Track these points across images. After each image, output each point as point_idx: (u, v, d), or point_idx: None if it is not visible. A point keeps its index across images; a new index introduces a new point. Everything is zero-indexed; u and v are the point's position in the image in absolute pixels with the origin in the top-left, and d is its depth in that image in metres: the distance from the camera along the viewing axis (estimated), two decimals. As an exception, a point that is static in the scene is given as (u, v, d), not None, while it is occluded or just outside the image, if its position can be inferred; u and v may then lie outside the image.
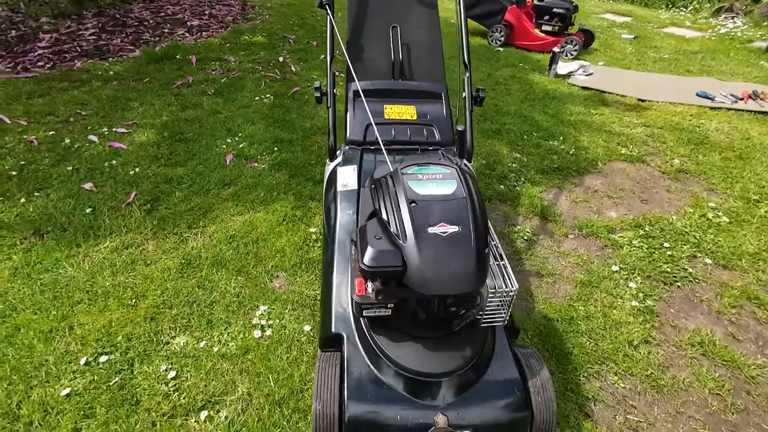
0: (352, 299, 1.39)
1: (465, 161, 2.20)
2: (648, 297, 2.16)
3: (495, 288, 1.31)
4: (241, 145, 3.31)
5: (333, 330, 1.51)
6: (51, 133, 3.32)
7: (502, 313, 1.40)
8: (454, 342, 1.43)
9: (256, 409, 1.58)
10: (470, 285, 1.21)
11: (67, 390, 1.60)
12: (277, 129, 3.58)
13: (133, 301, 1.98)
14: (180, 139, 3.35)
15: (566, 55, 5.86)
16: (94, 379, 1.64)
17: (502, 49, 6.22)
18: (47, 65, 4.73)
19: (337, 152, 2.13)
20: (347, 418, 1.28)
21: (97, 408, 1.55)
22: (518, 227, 2.62)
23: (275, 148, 3.28)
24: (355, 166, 1.96)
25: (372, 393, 1.32)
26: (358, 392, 1.32)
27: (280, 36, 6.08)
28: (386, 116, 2.16)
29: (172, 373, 1.68)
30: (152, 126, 3.52)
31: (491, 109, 4.21)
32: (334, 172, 2.00)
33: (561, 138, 3.68)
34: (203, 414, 1.55)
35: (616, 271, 2.30)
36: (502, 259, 1.43)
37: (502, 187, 2.98)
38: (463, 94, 2.22)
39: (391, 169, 1.46)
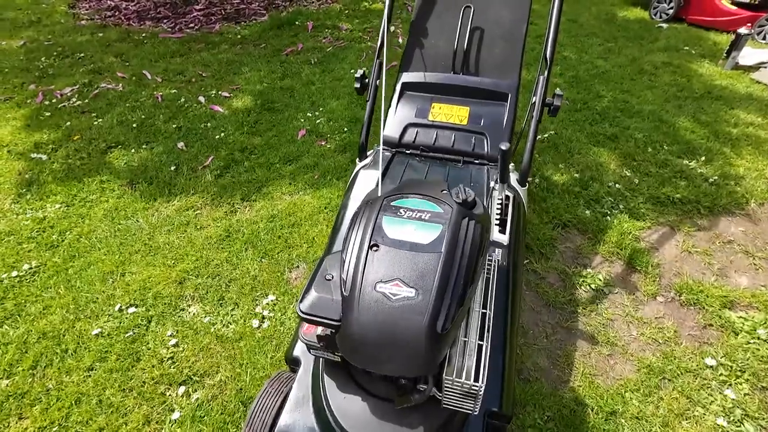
0: None
1: (516, 185, 1.78)
2: (749, 419, 1.52)
3: (453, 376, 1.03)
4: (318, 121, 3.32)
5: (294, 352, 1.41)
6: (174, 91, 3.82)
7: (471, 402, 1.11)
8: (411, 412, 1.20)
9: (224, 401, 1.62)
10: (408, 370, 0.97)
11: (98, 330, 1.88)
12: (358, 107, 3.48)
13: (173, 262, 2.20)
14: (269, 108, 3.52)
15: (761, 39, 4.31)
16: (118, 326, 1.89)
17: (665, 26, 4.89)
18: (196, 27, 5.42)
19: (369, 152, 1.93)
20: None
21: (110, 354, 1.78)
22: (589, 270, 2.09)
23: (347, 129, 3.21)
24: (379, 172, 1.74)
25: None
26: None
27: (401, 2, 5.82)
28: (431, 117, 1.85)
29: (174, 341, 1.82)
30: (251, 92, 3.77)
31: (617, 105, 3.38)
32: (356, 176, 1.82)
33: (704, 157, 2.76)
34: (182, 389, 1.66)
35: (711, 367, 1.67)
36: (484, 339, 1.11)
37: (587, 212, 2.40)
38: (534, 99, 1.76)
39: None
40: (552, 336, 1.83)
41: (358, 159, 1.93)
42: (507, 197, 1.66)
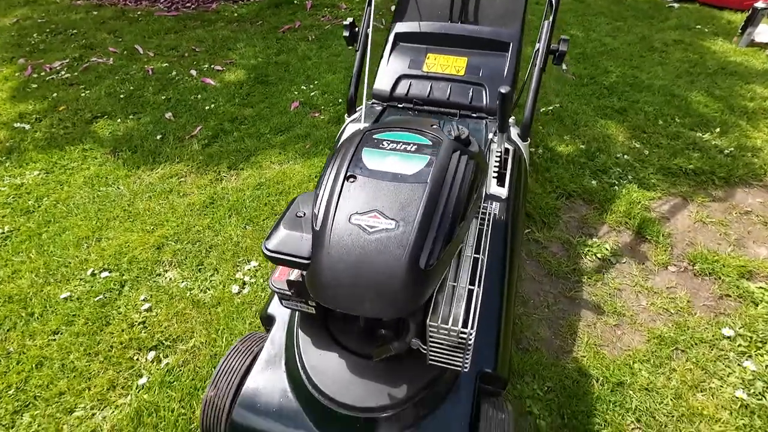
0: None
1: (517, 139, 1.65)
2: (771, 392, 1.37)
3: (438, 322, 0.89)
4: (312, 94, 3.19)
5: (268, 309, 1.28)
6: (165, 65, 3.70)
7: (460, 357, 0.98)
8: (392, 370, 1.07)
9: (196, 367, 1.50)
10: (385, 310, 0.83)
11: (67, 294, 1.76)
12: (354, 80, 3.34)
13: (152, 227, 2.08)
14: (262, 82, 3.39)
15: (779, 16, 4.12)
16: (89, 290, 1.77)
17: (676, 5, 4.71)
18: (192, 6, 5.30)
19: (358, 107, 1.79)
20: (231, 422, 1.07)
21: (78, 318, 1.66)
22: (595, 239, 1.95)
23: (341, 100, 3.07)
24: (368, 126, 1.61)
25: (269, 403, 1.07)
26: (254, 399, 1.09)
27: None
28: (426, 68, 1.72)
29: (147, 306, 1.70)
30: (245, 66, 3.64)
31: (625, 80, 3.22)
32: (344, 129, 1.69)
33: (718, 130, 2.60)
34: (151, 354, 1.54)
35: (729, 338, 1.52)
36: (475, 284, 0.97)
37: (594, 183, 2.25)
38: (538, 45, 1.62)
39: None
40: (554, 306, 1.69)
41: (346, 114, 1.79)
42: (506, 150, 1.52)
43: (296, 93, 3.21)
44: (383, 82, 1.73)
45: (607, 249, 1.89)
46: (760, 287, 1.69)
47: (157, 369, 1.49)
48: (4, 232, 2.07)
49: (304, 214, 0.98)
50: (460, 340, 0.93)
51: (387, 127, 1.09)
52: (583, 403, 1.36)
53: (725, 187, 2.22)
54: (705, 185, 2.23)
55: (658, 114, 2.80)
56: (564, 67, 3.53)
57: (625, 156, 2.44)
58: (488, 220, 1.13)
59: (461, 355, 0.97)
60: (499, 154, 1.45)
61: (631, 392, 1.39)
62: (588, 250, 1.90)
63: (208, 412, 1.11)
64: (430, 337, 0.94)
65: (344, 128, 1.69)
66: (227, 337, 1.58)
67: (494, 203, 1.39)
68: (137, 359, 1.53)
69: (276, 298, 1.30)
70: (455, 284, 0.96)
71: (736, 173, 2.26)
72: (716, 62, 3.49)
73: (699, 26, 4.20)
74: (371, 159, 0.98)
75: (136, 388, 1.44)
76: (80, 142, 2.71)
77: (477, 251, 1.05)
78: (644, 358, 1.49)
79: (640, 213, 2.02)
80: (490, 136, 1.51)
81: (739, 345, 1.50)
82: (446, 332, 0.90)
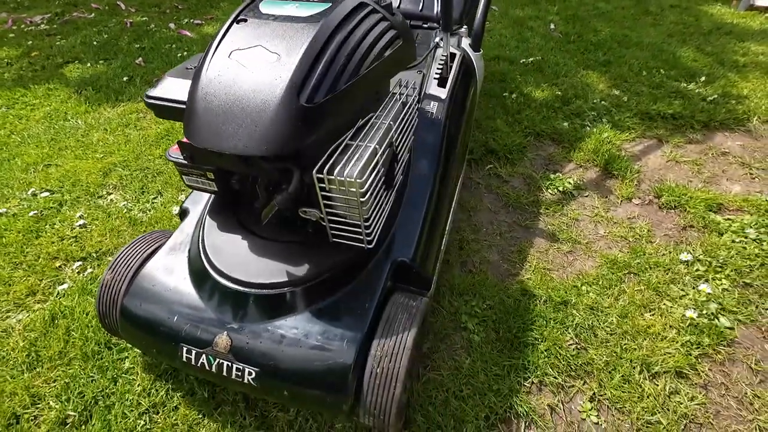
0: None
1: (468, 49, 1.55)
2: (725, 313, 1.27)
3: (326, 173, 0.81)
4: (288, 45, 3.11)
5: (185, 203, 1.21)
6: (145, 19, 3.65)
7: (360, 233, 0.90)
8: (295, 252, 0.99)
9: (121, 276, 1.43)
10: (258, 144, 0.75)
11: (3, 210, 1.70)
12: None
13: (102, 155, 2.02)
14: (240, 35, 3.31)
15: (782, -18, 3.94)
16: (25, 207, 1.72)
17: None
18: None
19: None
20: (122, 306, 1.00)
21: (9, 231, 1.61)
22: (558, 174, 1.85)
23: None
24: None
25: (165, 287, 1.00)
26: (150, 280, 1.02)
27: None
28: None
29: (82, 222, 1.64)
30: (225, 21, 3.57)
31: (614, 38, 3.09)
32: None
33: (704, 79, 2.48)
34: (77, 264, 1.48)
35: (686, 262, 1.42)
36: (376, 143, 0.89)
37: (565, 124, 2.14)
38: None
39: None
40: (507, 234, 1.60)
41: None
42: (452, 55, 1.43)
43: (272, 44, 3.13)
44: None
45: (570, 183, 1.79)
46: (727, 219, 1.58)
47: (81, 277, 1.43)
48: (-48, 157, 2.03)
49: (194, 67, 0.91)
50: (350, 193, 0.84)
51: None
52: (521, 319, 1.27)
53: (704, 130, 2.10)
54: (683, 129, 2.12)
55: (642, 66, 2.67)
56: (552, 26, 3.41)
57: (603, 102, 2.32)
58: (411, 102, 1.05)
59: (364, 225, 0.89)
60: (444, 57, 1.36)
61: (574, 311, 1.30)
62: (550, 184, 1.80)
63: (104, 297, 1.04)
64: (325, 201, 0.86)
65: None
66: (158, 251, 1.51)
67: (433, 103, 1.30)
68: (62, 269, 1.47)
69: (194, 193, 1.23)
70: (354, 143, 0.87)
71: (716, 118, 2.13)
72: (712, 23, 3.35)
73: (698, -8, 4.04)
74: (268, 7, 0.91)
75: (57, 295, 1.38)
76: (46, 83, 2.66)
77: (393, 120, 0.97)
78: (594, 281, 1.39)
79: (608, 150, 1.91)
80: (437, 39, 1.42)
81: (697, 270, 1.39)
82: (336, 188, 0.82)
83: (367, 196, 0.83)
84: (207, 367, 0.92)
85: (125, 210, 1.70)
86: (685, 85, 2.46)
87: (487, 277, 1.42)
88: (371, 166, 0.85)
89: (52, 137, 2.16)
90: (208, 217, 1.08)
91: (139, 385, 1.13)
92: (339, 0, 0.91)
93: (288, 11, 0.88)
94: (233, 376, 0.90)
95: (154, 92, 0.87)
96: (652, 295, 1.33)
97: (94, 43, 3.18)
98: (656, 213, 1.66)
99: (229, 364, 0.90)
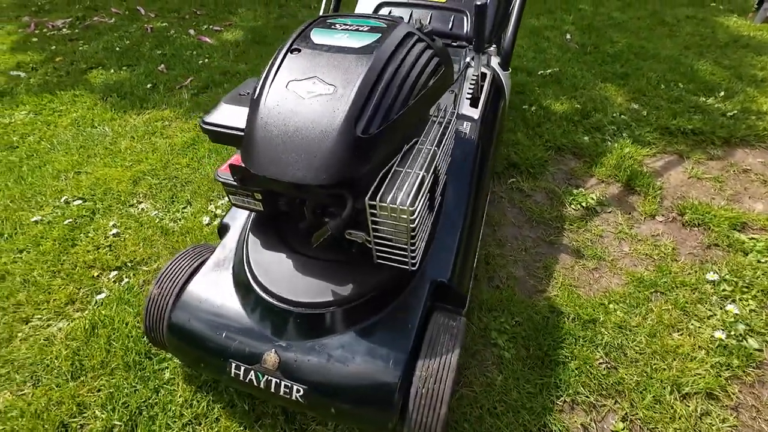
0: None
1: (498, 68, 1.58)
2: (754, 335, 1.29)
3: (378, 200, 0.84)
4: (307, 53, 3.14)
5: (225, 219, 1.25)
6: (165, 24, 3.70)
7: (406, 255, 0.93)
8: (341, 271, 1.02)
9: (156, 286, 1.46)
10: (316, 174, 0.78)
11: (38, 218, 1.74)
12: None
13: (131, 163, 2.06)
14: (259, 42, 3.36)
15: (799, -6, 3.94)
16: (59, 215, 1.76)
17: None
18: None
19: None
20: (170, 320, 1.03)
21: (45, 239, 1.65)
22: (581, 189, 1.87)
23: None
24: None
25: (211, 302, 1.03)
26: (197, 296, 1.05)
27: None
28: (406, -5, 1.66)
29: (115, 231, 1.68)
30: (243, 28, 3.62)
31: (631, 49, 3.11)
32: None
33: (723, 94, 2.49)
34: (114, 273, 1.52)
35: (712, 282, 1.44)
36: (423, 169, 0.92)
37: (585, 138, 2.17)
38: None
39: None
40: (532, 249, 1.62)
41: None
42: (483, 75, 1.46)
43: (291, 52, 3.17)
44: (362, 9, 1.68)
45: (593, 199, 1.81)
46: (752, 238, 1.59)
47: (118, 287, 1.47)
48: (-15, 164, 2.08)
49: (247, 94, 0.94)
50: (401, 220, 0.87)
51: (343, 15, 1.04)
52: (550, 337, 1.30)
53: (725, 146, 2.12)
54: (703, 144, 2.13)
55: (661, 79, 2.69)
56: (568, 36, 3.43)
57: (622, 116, 2.34)
58: (450, 126, 1.08)
59: (409, 250, 0.92)
60: (475, 77, 1.39)
61: (603, 329, 1.32)
62: (573, 200, 1.82)
63: (151, 310, 1.08)
64: (374, 225, 0.89)
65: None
66: (191, 261, 1.54)
67: (465, 123, 1.33)
68: (99, 278, 1.51)
69: (233, 209, 1.26)
70: (402, 170, 0.90)
71: (737, 134, 2.15)
72: (728, 36, 3.35)
73: (714, 3, 4.05)
74: (319, 36, 0.94)
75: (95, 304, 1.42)
76: (72, 89, 2.71)
77: (436, 145, 1.00)
78: (621, 299, 1.41)
79: (630, 165, 1.94)
80: (468, 59, 1.44)
81: (723, 289, 1.41)
82: (389, 215, 0.85)
83: (416, 223, 0.86)
84: (255, 384, 0.95)
85: (156, 219, 1.74)
86: (704, 99, 2.47)
87: (514, 293, 1.45)
88: (420, 193, 0.87)
89: (80, 144, 2.20)
90: (251, 234, 1.11)
91: (180, 396, 1.17)
92: (386, 28, 0.94)
93: (340, 41, 0.91)
94: (281, 393, 0.93)
95: (211, 118, 0.91)
96: (680, 314, 1.35)
97: (117, 49, 3.23)
98: (680, 231, 1.68)
99: (278, 381, 0.93)
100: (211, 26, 3.65)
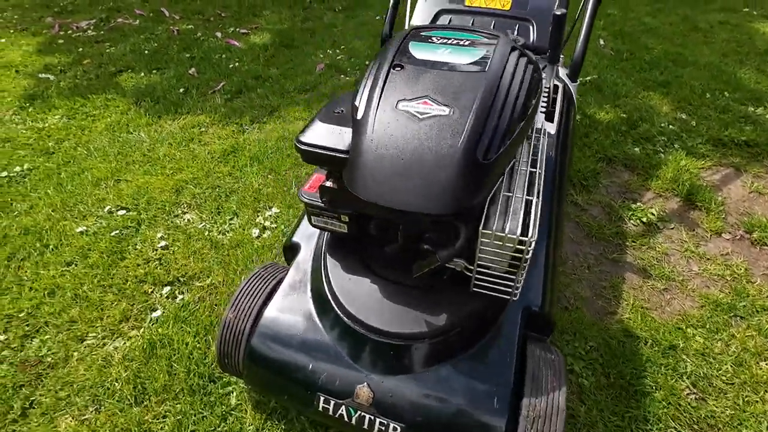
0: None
1: (567, 80, 1.52)
2: None
3: (493, 229, 0.78)
4: (338, 57, 3.10)
5: (293, 238, 1.19)
6: (191, 27, 3.65)
7: (510, 281, 0.87)
8: (431, 299, 0.96)
9: (212, 304, 1.42)
10: (436, 203, 0.73)
11: (83, 228, 1.70)
12: (382, 47, 3.23)
13: (171, 172, 2.01)
14: (287, 45, 3.31)
15: (836, 0, 3.87)
16: (104, 226, 1.71)
17: (722, -12, 4.47)
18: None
19: (394, 44, 1.68)
20: (250, 347, 0.98)
21: (92, 252, 1.60)
22: (639, 204, 1.81)
23: (368, 63, 2.96)
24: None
25: (293, 329, 0.98)
26: (277, 321, 1.00)
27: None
28: (468, 2, 1.60)
29: (163, 243, 1.63)
30: (270, 31, 3.57)
31: (668, 56, 3.04)
32: (377, 65, 1.59)
33: (772, 104, 2.42)
34: (166, 289, 1.46)
35: (794, 306, 1.38)
36: (533, 194, 0.86)
37: (636, 149, 2.10)
38: None
39: None
40: (595, 267, 1.56)
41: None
42: (555, 87, 1.40)
43: (321, 56, 3.12)
44: (421, 17, 1.63)
45: (653, 214, 1.75)
46: (828, 258, 1.53)
47: (172, 304, 1.42)
48: (23, 170, 2.03)
49: (342, 111, 0.89)
50: (513, 258, 0.82)
51: (435, 26, 0.99)
52: (631, 364, 1.24)
53: (783, 160, 2.05)
54: (759, 157, 2.07)
55: (705, 88, 2.62)
56: (601, 42, 3.36)
57: (671, 126, 2.28)
58: (542, 140, 1.02)
59: (512, 280, 0.86)
60: (547, 90, 1.33)
61: (684, 356, 1.26)
62: (632, 215, 1.76)
63: (227, 335, 1.02)
64: (481, 252, 0.83)
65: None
66: (246, 276, 1.49)
67: (542, 138, 1.27)
68: (152, 293, 1.46)
69: (301, 227, 1.21)
70: (510, 194, 0.85)
71: (794, 147, 2.08)
72: (766, 43, 3.28)
73: (747, 8, 3.97)
74: (420, 51, 0.88)
75: (150, 321, 1.37)
76: (103, 92, 2.67)
77: (533, 166, 0.94)
78: (698, 323, 1.35)
79: (689, 179, 1.87)
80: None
81: (807, 314, 1.35)
82: (501, 244, 0.79)
83: (528, 242, 0.80)
84: (346, 419, 0.90)
85: (204, 231, 1.69)
86: (752, 109, 2.40)
87: (584, 315, 1.39)
88: (535, 220, 0.82)
89: (118, 150, 2.15)
90: (328, 256, 1.06)
91: (250, 425, 1.11)
92: (489, 43, 0.89)
93: (443, 57, 0.85)
94: (375, 431, 0.88)
95: (306, 138, 0.85)
96: (765, 342, 1.29)
97: (145, 51, 3.18)
98: (750, 250, 1.61)
99: (372, 417, 0.88)
100: (237, 29, 3.60)
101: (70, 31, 3.62)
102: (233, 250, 1.61)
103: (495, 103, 0.77)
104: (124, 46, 3.28)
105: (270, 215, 1.76)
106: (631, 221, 1.74)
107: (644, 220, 1.73)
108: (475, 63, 0.83)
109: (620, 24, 3.70)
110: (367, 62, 2.98)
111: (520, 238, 0.77)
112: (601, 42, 3.33)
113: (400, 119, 0.76)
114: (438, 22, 1.60)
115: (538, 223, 0.80)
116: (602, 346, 1.29)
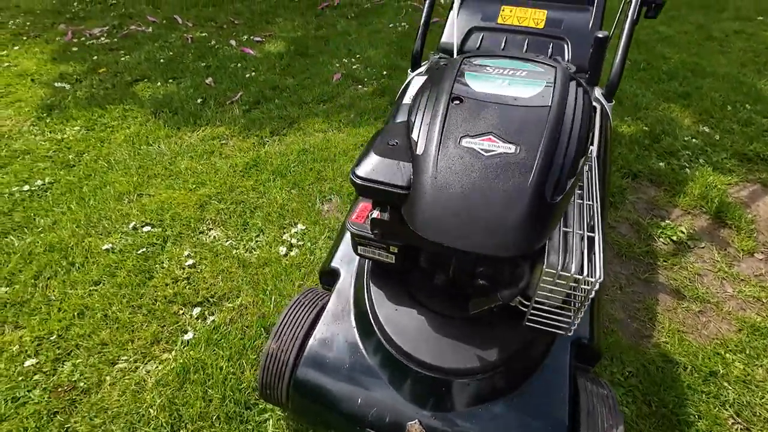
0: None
1: (603, 100, 1.51)
2: None
3: (557, 267, 0.77)
4: (354, 67, 3.08)
5: (332, 263, 1.17)
6: (204, 34, 3.65)
7: (566, 316, 0.85)
8: (480, 332, 0.95)
9: (244, 326, 1.40)
10: (503, 245, 0.71)
11: (109, 245, 1.68)
12: (398, 56, 3.22)
13: (194, 186, 1.99)
14: (302, 54, 3.30)
15: None
16: (130, 243, 1.70)
17: (735, -4, 4.46)
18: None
19: (424, 62, 1.67)
20: (295, 378, 0.97)
21: (120, 270, 1.59)
22: (668, 222, 1.79)
23: (385, 73, 2.95)
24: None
25: (339, 360, 0.97)
26: (322, 352, 0.98)
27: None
28: (500, 20, 1.59)
29: (191, 262, 1.62)
30: (284, 39, 3.56)
31: (685, 66, 3.03)
32: (408, 83, 1.57)
33: (796, 118, 2.40)
34: (196, 310, 1.45)
35: (834, 331, 1.36)
36: (593, 231, 0.85)
37: (661, 164, 2.09)
38: None
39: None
40: (627, 288, 1.55)
41: (410, 69, 1.67)
42: (594, 107, 1.38)
43: (337, 65, 3.11)
44: (452, 35, 1.61)
45: (682, 232, 1.73)
46: None
47: (203, 326, 1.40)
48: (44, 184, 2.02)
49: (397, 144, 0.87)
50: (572, 295, 0.80)
51: (485, 54, 0.97)
52: (672, 391, 1.22)
53: (810, 175, 2.03)
54: (787, 173, 2.05)
55: (725, 100, 2.60)
56: (618, 51, 3.34)
57: (694, 139, 2.26)
58: (592, 169, 1.00)
59: (569, 316, 0.85)
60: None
61: (726, 384, 1.24)
62: (661, 232, 1.74)
63: (270, 366, 1.01)
64: (540, 290, 0.81)
65: (408, 82, 1.57)
66: (276, 298, 1.48)
67: (592, 167, 1.25)
68: (182, 315, 1.45)
69: (340, 251, 1.19)
70: (569, 230, 0.83)
71: (821, 162, 2.07)
72: (784, 53, 3.26)
73: (761, 17, 3.96)
74: (477, 82, 0.87)
75: (181, 344, 1.36)
76: (120, 103, 2.66)
77: (587, 198, 0.93)
78: (737, 348, 1.34)
79: (717, 196, 1.85)
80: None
81: None
82: (564, 282, 0.78)
83: (593, 283, 0.78)
84: (397, 456, 0.88)
85: (231, 249, 1.68)
86: (775, 122, 2.39)
87: (619, 338, 1.37)
88: (597, 256, 0.80)
89: (139, 164, 2.14)
90: (372, 285, 1.04)
91: (290, 454, 1.10)
92: (548, 74, 0.87)
93: (504, 90, 0.84)
94: (428, 469, 0.86)
95: (363, 172, 0.83)
96: (807, 368, 1.27)
97: (160, 60, 3.17)
98: (783, 270, 1.60)
99: (424, 455, 0.86)
100: (251, 36, 3.59)
101: (83, 38, 3.61)
102: (261, 269, 1.59)
103: (560, 139, 0.76)
104: (139, 55, 3.27)
105: (296, 232, 1.74)
106: (661, 239, 1.72)
107: (674, 238, 1.72)
108: (537, 96, 0.81)
109: (635, 33, 3.68)
110: (384, 72, 2.96)
111: (588, 278, 0.75)
112: (617, 51, 3.31)
113: (465, 157, 0.75)
114: (470, 41, 1.58)
115: (602, 262, 0.79)
116: (641, 371, 1.28)
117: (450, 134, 0.78)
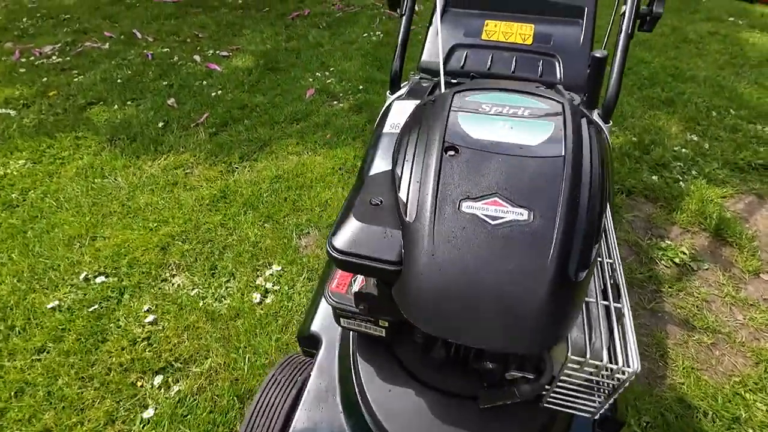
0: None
1: (597, 116, 1.39)
2: None
3: (585, 354, 0.63)
4: (328, 81, 2.92)
5: (311, 327, 1.01)
6: (166, 50, 3.42)
7: (593, 400, 0.72)
8: (492, 415, 0.80)
9: (214, 395, 1.22)
10: (524, 340, 0.57)
11: (55, 303, 1.47)
12: (373, 68, 3.08)
13: (155, 225, 1.79)
14: (272, 68, 3.12)
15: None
16: (81, 299, 1.49)
17: (705, -3, 4.51)
18: (193, -8, 4.99)
19: (404, 83, 1.53)
20: None
21: (67, 333, 1.38)
22: (668, 242, 1.70)
23: (362, 87, 2.80)
24: (417, 103, 1.34)
25: None
26: None
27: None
28: (485, 36, 1.46)
29: (151, 318, 1.42)
30: (252, 53, 3.37)
31: (665, 70, 3.00)
32: (389, 108, 1.43)
33: (780, 122, 2.38)
34: (158, 378, 1.26)
35: None
36: (618, 298, 0.71)
37: (654, 178, 2.00)
38: (623, 9, 1.38)
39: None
40: (634, 320, 1.42)
41: (389, 91, 1.53)
42: (597, 125, 1.26)
43: (311, 80, 2.94)
44: (433, 53, 1.47)
45: (684, 253, 1.64)
46: None
47: (166, 398, 1.22)
48: (-19, 230, 1.78)
49: (381, 203, 0.72)
50: (599, 378, 0.67)
51: (480, 87, 0.83)
52: (694, 443, 1.11)
53: (803, 184, 1.99)
54: (779, 182, 2.00)
55: (709, 105, 2.56)
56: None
57: (684, 149, 2.20)
58: (608, 218, 0.87)
59: (595, 398, 0.71)
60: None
61: (751, 430, 1.14)
62: (662, 254, 1.65)
63: (241, 467, 0.84)
64: (564, 376, 0.68)
65: (388, 106, 1.42)
66: (250, 357, 1.30)
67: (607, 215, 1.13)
68: (141, 385, 1.25)
69: (319, 314, 1.03)
70: (591, 299, 0.70)
71: (811, 169, 2.03)
72: (759, 54, 3.28)
73: (732, 18, 4.00)
74: (473, 126, 0.72)
75: (141, 423, 1.17)
76: (72, 130, 2.42)
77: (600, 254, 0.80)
78: (756, 387, 1.24)
79: (715, 212, 1.78)
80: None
81: None
82: (595, 370, 0.64)
83: (629, 375, 0.65)
84: None
85: (198, 299, 1.49)
86: (761, 127, 2.35)
87: (632, 381, 1.25)
88: (629, 338, 0.67)
89: (92, 201, 1.92)
90: (360, 359, 0.89)
91: None
92: (554, 113, 0.74)
93: (506, 136, 0.70)
94: None
95: (341, 244, 0.68)
96: (833, 407, 1.18)
97: (117, 80, 2.94)
98: (791, 291, 1.52)
99: None
100: (217, 51, 3.39)
101: (32, 58, 3.33)
102: (233, 321, 1.41)
103: (581, 199, 0.62)
104: (94, 74, 3.03)
105: (271, 274, 1.57)
106: (663, 262, 1.63)
107: (676, 260, 1.62)
108: (546, 143, 0.68)
109: (612, 36, 3.65)
110: (360, 87, 2.81)
111: (624, 368, 0.62)
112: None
113: (468, 227, 0.60)
114: (452, 59, 1.45)
115: (634, 341, 0.66)
116: (659, 421, 1.16)
117: (447, 196, 0.63)
